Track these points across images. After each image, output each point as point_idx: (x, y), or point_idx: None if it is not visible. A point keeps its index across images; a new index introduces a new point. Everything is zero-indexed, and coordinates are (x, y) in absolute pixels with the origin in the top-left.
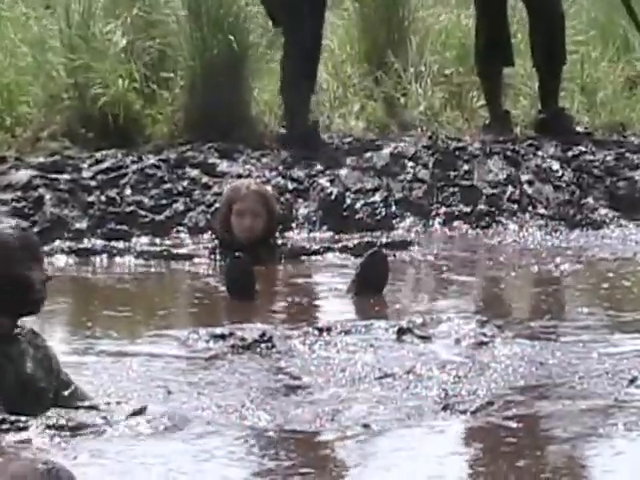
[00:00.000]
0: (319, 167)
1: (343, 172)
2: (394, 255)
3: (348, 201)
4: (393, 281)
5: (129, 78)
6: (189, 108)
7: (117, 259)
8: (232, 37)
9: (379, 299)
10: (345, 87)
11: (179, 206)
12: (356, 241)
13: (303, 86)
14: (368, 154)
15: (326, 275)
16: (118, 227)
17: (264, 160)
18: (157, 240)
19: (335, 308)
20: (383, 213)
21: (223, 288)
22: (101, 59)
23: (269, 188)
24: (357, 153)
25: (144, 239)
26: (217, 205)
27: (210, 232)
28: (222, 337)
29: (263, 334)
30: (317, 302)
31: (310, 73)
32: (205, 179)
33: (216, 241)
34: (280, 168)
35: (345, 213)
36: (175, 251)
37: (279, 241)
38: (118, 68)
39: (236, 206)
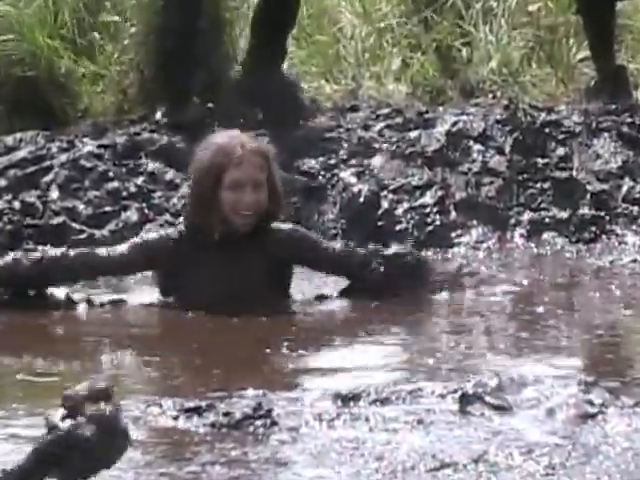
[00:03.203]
0: (341, 154)
1: (377, 161)
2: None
3: (385, 204)
4: (453, 321)
5: (54, 24)
6: (144, 67)
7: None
8: None
9: (430, 349)
10: (379, 33)
11: (131, 215)
12: None
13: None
14: (414, 133)
15: (353, 312)
16: (40, 247)
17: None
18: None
19: (366, 363)
20: (437, 222)
21: (197, 329)
22: None
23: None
24: (397, 132)
25: None
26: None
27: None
28: (197, 411)
29: (258, 406)
30: (339, 355)
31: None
32: (170, 174)
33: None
34: (284, 156)
35: (380, 222)
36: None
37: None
38: (36, 8)
39: (229, 175)
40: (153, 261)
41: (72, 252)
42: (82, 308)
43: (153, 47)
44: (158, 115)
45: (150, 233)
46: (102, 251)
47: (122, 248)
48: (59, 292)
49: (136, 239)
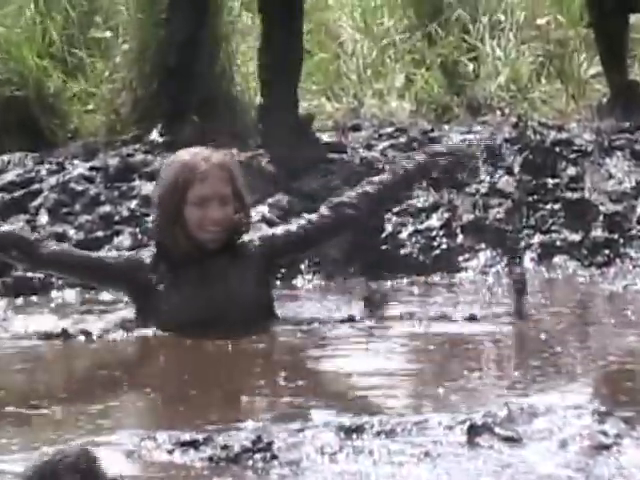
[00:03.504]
0: (343, 175)
1: None
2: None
3: (388, 227)
4: (460, 348)
5: (43, 41)
6: (137, 85)
7: (23, 320)
8: None
9: (437, 378)
10: (382, 49)
11: (124, 240)
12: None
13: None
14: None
15: (352, 337)
16: (29, 274)
17: (256, 165)
18: (90, 293)
19: (369, 393)
20: (444, 245)
21: (188, 357)
22: None
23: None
24: (401, 152)
25: (69, 292)
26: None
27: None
28: (193, 445)
29: (258, 438)
30: (340, 384)
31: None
32: None
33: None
34: (282, 177)
35: (384, 246)
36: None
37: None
38: (25, 26)
39: (195, 191)
40: (128, 280)
41: (60, 246)
42: (78, 340)
43: (153, 62)
44: (154, 134)
45: (128, 253)
46: (84, 252)
47: (104, 256)
48: (55, 325)
49: (116, 254)
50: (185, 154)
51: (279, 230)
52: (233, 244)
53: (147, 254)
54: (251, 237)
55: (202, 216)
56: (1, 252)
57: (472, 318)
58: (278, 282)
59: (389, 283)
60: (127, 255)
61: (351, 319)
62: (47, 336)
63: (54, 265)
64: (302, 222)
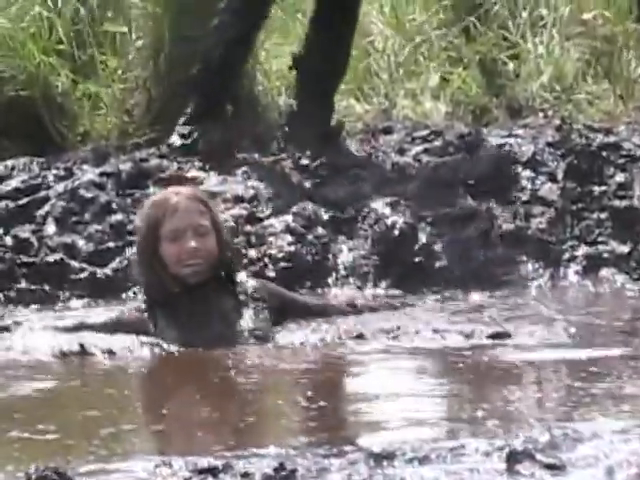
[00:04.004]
0: (373, 182)
1: (412, 189)
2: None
3: (423, 238)
4: (499, 368)
5: (50, 36)
6: (152, 85)
7: (23, 340)
8: None
9: (473, 400)
10: (415, 46)
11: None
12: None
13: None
14: (455, 158)
15: (373, 356)
16: (34, 287)
17: (279, 170)
18: (99, 309)
19: (400, 416)
20: (481, 257)
21: (203, 377)
22: (2, 7)
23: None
24: (436, 156)
25: (76, 303)
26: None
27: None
28: (212, 472)
29: (281, 465)
30: (368, 407)
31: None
32: None
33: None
34: (307, 185)
35: (417, 259)
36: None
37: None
38: (31, 21)
39: (167, 225)
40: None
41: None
42: (95, 358)
43: (170, 59)
44: (174, 137)
45: (125, 312)
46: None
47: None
48: (70, 341)
49: (115, 316)
50: (158, 193)
51: (288, 293)
52: (221, 278)
53: (141, 306)
54: (257, 283)
55: (178, 250)
56: None
57: (509, 335)
58: (304, 291)
59: (423, 297)
60: (126, 320)
61: (360, 336)
62: (63, 354)
63: None
64: (307, 300)
